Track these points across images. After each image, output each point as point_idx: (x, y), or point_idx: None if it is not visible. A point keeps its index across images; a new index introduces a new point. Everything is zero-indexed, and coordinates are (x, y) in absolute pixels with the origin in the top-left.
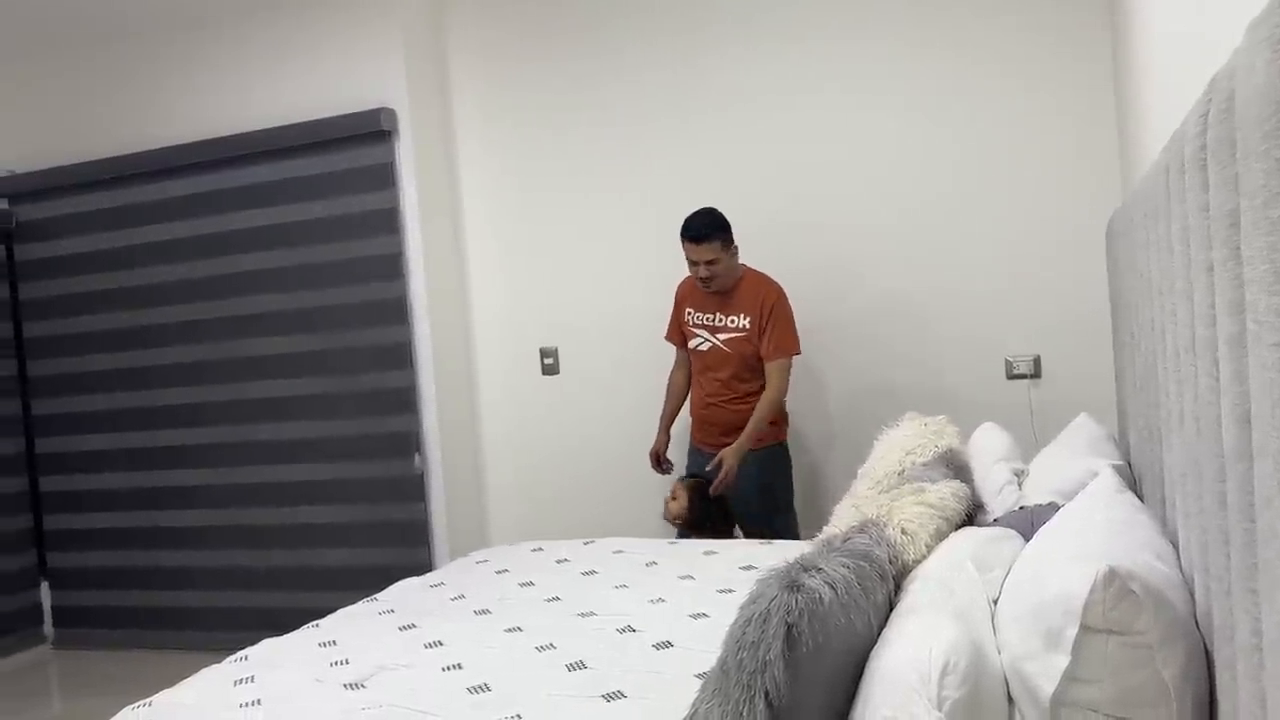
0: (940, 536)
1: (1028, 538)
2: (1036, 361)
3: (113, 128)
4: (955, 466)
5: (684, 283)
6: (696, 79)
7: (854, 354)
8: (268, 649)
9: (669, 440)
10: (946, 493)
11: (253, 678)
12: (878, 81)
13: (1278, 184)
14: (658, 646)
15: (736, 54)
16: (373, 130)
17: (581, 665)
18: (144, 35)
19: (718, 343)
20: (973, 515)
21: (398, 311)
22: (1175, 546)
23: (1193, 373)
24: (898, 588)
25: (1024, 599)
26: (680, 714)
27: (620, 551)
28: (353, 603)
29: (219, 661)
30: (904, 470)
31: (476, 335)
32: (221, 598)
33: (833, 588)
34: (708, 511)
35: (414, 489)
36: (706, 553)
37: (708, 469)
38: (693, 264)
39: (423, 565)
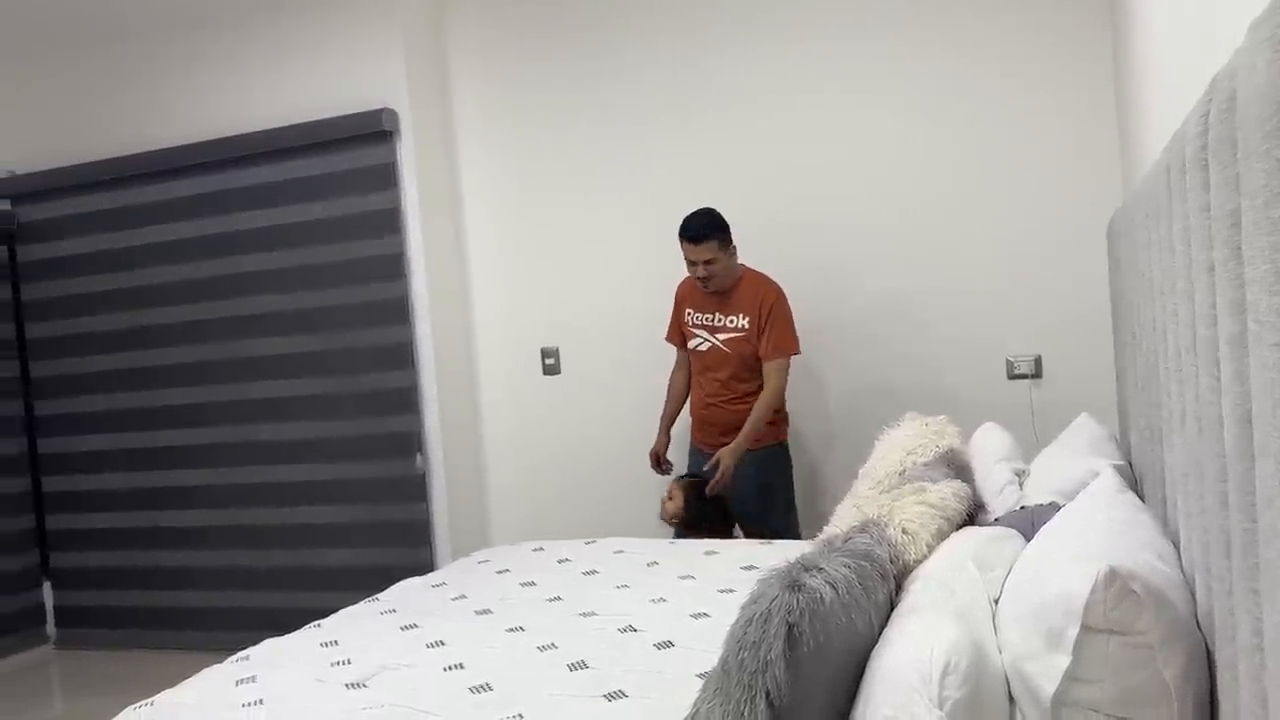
0: (941, 536)
1: (1029, 538)
2: (1037, 361)
3: (113, 128)
4: (956, 466)
5: (684, 283)
6: (696, 79)
7: (854, 354)
8: (269, 649)
9: (669, 441)
10: (948, 492)
11: (254, 678)
12: (878, 81)
13: (1279, 184)
14: (659, 646)
15: (736, 54)
16: (373, 131)
17: (583, 665)
18: (144, 35)
19: (717, 343)
20: (974, 515)
21: (399, 312)
22: (1176, 546)
23: (1194, 373)
24: (899, 587)
25: (1025, 599)
26: (681, 714)
27: (621, 551)
28: (354, 603)
29: (221, 661)
30: (905, 470)
31: (478, 335)
32: (223, 598)
33: (834, 587)
34: (704, 511)
35: (415, 489)
36: (707, 553)
37: (705, 469)
38: (691, 264)
39: (424, 565)
